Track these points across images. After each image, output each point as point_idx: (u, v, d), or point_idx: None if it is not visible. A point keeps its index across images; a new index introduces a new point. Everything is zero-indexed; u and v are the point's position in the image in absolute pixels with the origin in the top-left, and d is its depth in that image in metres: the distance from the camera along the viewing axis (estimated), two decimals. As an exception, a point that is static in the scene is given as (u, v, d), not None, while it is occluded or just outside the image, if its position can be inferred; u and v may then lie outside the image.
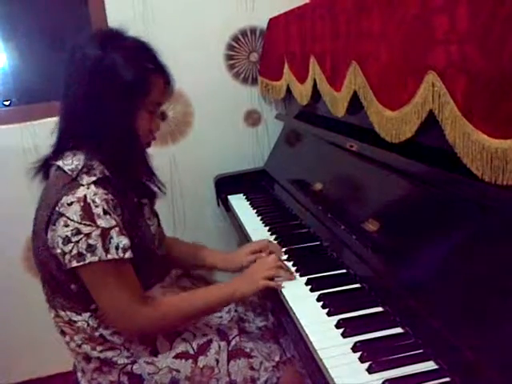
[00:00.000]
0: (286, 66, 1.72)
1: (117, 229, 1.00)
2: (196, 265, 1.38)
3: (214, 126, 2.03)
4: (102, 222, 0.98)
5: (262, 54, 1.99)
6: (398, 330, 0.93)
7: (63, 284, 1.06)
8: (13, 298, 1.95)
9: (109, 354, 1.10)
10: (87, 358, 1.12)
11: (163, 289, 1.18)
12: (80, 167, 1.02)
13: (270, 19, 1.90)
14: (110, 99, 1.03)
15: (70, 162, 1.04)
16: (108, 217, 0.99)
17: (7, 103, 2.03)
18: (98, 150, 1.05)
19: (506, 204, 0.78)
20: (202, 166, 2.04)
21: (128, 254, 1.01)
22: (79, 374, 1.16)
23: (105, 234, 0.98)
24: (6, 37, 2.04)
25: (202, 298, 1.14)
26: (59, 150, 1.09)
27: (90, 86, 1.03)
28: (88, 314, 1.08)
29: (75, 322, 1.09)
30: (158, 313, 1.08)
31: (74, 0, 2.00)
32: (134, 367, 1.10)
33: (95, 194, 0.99)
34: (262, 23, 1.96)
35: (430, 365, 0.82)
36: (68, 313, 1.09)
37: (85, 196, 0.98)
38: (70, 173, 1.02)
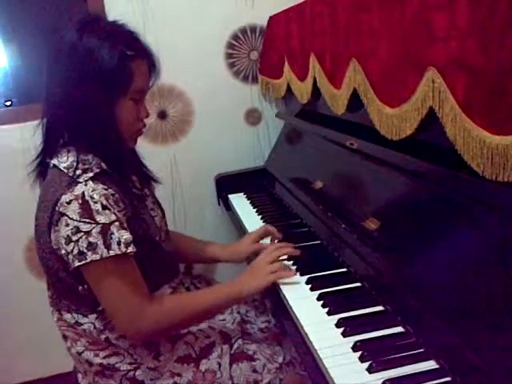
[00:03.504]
0: (286, 64, 1.71)
1: (117, 223, 0.97)
2: (198, 258, 1.38)
3: (215, 124, 2.02)
4: (101, 218, 0.95)
5: (262, 52, 1.98)
6: (399, 329, 0.92)
7: (70, 286, 1.03)
8: (14, 299, 1.95)
9: (112, 360, 1.08)
10: (89, 364, 1.10)
11: (172, 289, 1.16)
12: (75, 164, 1.00)
13: (270, 17, 1.89)
14: (89, 86, 0.98)
15: (65, 159, 1.02)
16: (107, 212, 0.96)
17: (8, 103, 2.03)
18: (88, 144, 1.02)
19: (507, 201, 0.77)
20: (202, 165, 2.03)
21: (130, 249, 0.97)
22: (80, 376, 1.16)
23: (105, 229, 0.95)
24: (6, 37, 2.04)
25: (210, 297, 1.11)
26: (50, 147, 1.07)
27: (68, 73, 0.99)
28: (94, 316, 1.06)
29: (81, 324, 1.06)
30: (165, 311, 1.04)
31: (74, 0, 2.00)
32: (137, 373, 1.08)
33: (93, 190, 0.97)
34: (261, 21, 1.95)
35: (430, 364, 0.81)
36: (74, 315, 1.07)
37: (83, 193, 0.96)
38: (65, 171, 1.00)
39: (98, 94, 0.99)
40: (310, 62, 1.47)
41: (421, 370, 0.80)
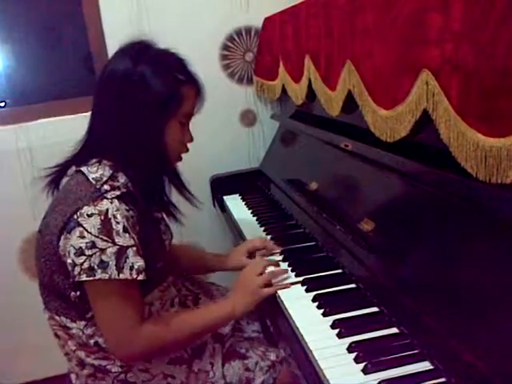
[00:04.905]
0: (281, 65, 1.72)
1: (134, 248, 0.97)
2: (199, 271, 1.42)
3: (210, 126, 2.02)
4: (119, 240, 0.95)
5: (257, 53, 1.98)
6: (394, 330, 0.92)
7: (62, 290, 1.03)
8: (8, 300, 1.94)
9: (103, 362, 1.08)
10: (81, 364, 1.09)
11: (161, 292, 1.15)
12: (105, 178, 1.00)
13: (265, 19, 1.89)
14: (141, 113, 1.01)
15: (95, 170, 1.02)
16: (127, 235, 0.96)
17: (2, 104, 2.02)
18: (126, 163, 1.04)
19: (500, 202, 0.78)
20: (197, 166, 2.01)
21: (141, 277, 0.97)
22: (73, 376, 1.15)
23: (121, 252, 0.95)
24: (0, 37, 2.03)
25: (202, 319, 1.09)
26: (81, 159, 1.07)
27: (120, 99, 1.02)
28: (83, 323, 1.05)
29: (69, 328, 1.06)
30: (155, 336, 1.03)
31: (68, 0, 1.99)
32: (128, 375, 1.08)
33: (118, 210, 0.96)
34: (257, 23, 1.95)
35: (425, 365, 0.82)
36: (63, 318, 1.06)
37: (107, 210, 0.95)
38: (93, 182, 1.00)
39: (150, 118, 1.02)
40: (304, 63, 1.47)
41: (416, 371, 0.81)
